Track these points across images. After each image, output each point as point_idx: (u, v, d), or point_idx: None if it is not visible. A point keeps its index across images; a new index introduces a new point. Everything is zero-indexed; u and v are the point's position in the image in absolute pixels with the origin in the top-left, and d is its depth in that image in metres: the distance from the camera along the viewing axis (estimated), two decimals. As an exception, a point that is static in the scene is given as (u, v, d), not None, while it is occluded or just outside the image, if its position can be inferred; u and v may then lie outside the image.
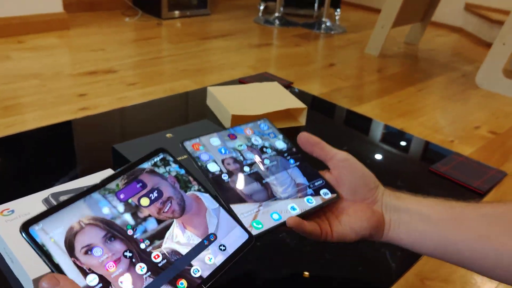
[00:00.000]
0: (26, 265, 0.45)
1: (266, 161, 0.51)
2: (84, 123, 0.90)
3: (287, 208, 0.47)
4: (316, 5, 4.05)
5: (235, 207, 0.45)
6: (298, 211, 0.48)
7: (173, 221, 0.40)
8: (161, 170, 0.43)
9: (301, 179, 0.51)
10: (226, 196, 0.45)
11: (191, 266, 0.39)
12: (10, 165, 0.71)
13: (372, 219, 0.47)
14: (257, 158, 0.51)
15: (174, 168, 0.44)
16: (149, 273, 0.37)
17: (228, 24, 3.61)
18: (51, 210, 0.36)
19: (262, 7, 3.92)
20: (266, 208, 0.46)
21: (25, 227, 0.34)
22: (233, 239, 0.42)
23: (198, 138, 0.50)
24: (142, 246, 0.38)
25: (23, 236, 0.34)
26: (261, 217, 0.45)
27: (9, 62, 2.49)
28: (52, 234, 0.35)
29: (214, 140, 0.52)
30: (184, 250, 0.39)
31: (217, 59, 2.82)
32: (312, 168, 0.52)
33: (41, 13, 2.93)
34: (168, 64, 2.68)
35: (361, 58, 3.13)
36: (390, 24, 3.01)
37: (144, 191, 0.41)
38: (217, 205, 0.43)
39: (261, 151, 0.53)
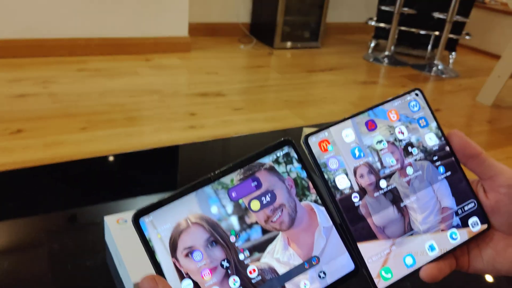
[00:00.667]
0: (131, 268, 0.47)
1: (409, 170, 0.40)
2: (190, 148, 0.97)
3: (424, 248, 0.38)
4: (430, 46, 3.86)
5: (363, 246, 0.37)
6: (437, 252, 0.38)
7: (278, 234, 0.37)
8: (281, 168, 0.38)
9: (448, 201, 0.40)
10: (353, 229, 0.38)
11: (283, 288, 0.36)
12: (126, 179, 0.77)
13: None
14: (397, 164, 0.40)
15: (296, 168, 0.38)
16: (241, 288, 0.35)
17: (337, 58, 3.60)
18: (164, 201, 0.35)
19: (372, 44, 3.85)
20: (400, 248, 0.38)
21: (137, 218, 0.34)
22: (336, 267, 0.37)
23: (327, 129, 0.40)
24: (241, 257, 0.37)
25: (134, 227, 0.34)
26: (392, 262, 0.37)
27: (136, 77, 2.77)
28: (160, 229, 0.34)
29: (348, 133, 0.40)
30: (281, 270, 0.37)
31: (320, 92, 2.82)
32: (466, 180, 0.40)
33: (169, 35, 3.23)
34: (273, 93, 2.75)
35: (472, 106, 2.88)
36: (508, 74, 2.74)
37: (258, 193, 0.37)
38: (331, 223, 0.38)
39: (405, 151, 0.41)
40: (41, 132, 1.94)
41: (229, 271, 0.35)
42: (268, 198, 0.38)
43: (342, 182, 0.39)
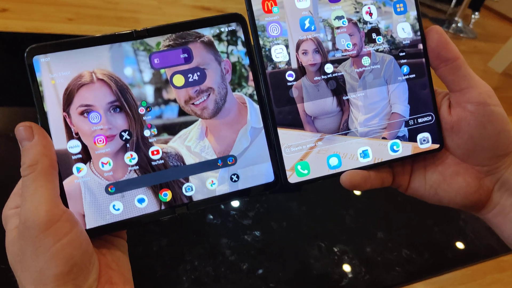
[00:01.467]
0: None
1: (366, 60, 0.34)
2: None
3: (356, 152, 0.34)
4: (453, 1, 3.64)
5: (284, 133, 0.33)
6: (369, 159, 0.33)
7: (197, 120, 0.32)
8: (221, 47, 0.32)
9: (401, 107, 0.34)
10: (278, 110, 0.33)
11: (187, 181, 0.31)
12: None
13: (472, 196, 0.33)
14: (353, 50, 0.34)
15: (239, 51, 0.33)
16: (137, 167, 0.30)
17: None
18: (69, 43, 0.29)
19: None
20: (327, 145, 0.33)
21: (30, 54, 0.28)
22: (253, 173, 0.32)
23: None
24: (146, 133, 0.31)
25: (25, 63, 0.28)
26: (313, 159, 0.33)
27: (137, -22, 2.58)
28: (56, 75, 0.29)
29: None
30: (189, 160, 0.31)
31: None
32: (431, 89, 0.35)
33: None
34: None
35: (481, 71, 2.76)
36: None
37: (185, 67, 0.31)
38: (261, 125, 0.33)
39: (367, 36, 0.34)
40: (26, 15, 1.83)
41: (128, 145, 0.29)
42: (195, 77, 0.32)
43: (279, 54, 0.33)
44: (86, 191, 0.29)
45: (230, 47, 0.33)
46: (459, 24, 3.34)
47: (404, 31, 0.35)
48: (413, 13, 0.35)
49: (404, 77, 0.35)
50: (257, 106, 0.33)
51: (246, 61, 0.33)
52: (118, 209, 0.30)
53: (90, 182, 0.29)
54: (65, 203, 0.28)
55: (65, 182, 0.29)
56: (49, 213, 0.26)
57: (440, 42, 0.33)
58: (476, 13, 3.47)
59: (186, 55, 0.32)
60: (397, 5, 0.35)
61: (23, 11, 1.84)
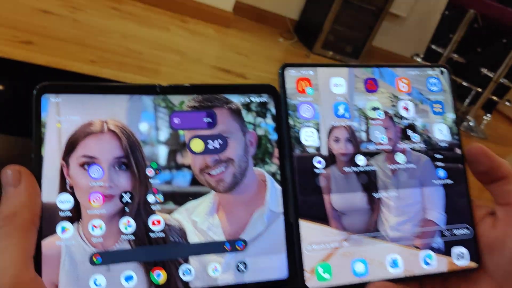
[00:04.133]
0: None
1: (400, 157, 0.31)
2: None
3: (385, 260, 0.29)
4: (468, 100, 3.73)
5: (307, 226, 0.28)
6: (400, 271, 0.29)
7: (210, 193, 0.28)
8: (248, 117, 0.29)
9: (436, 214, 0.31)
10: (302, 200, 0.29)
11: (186, 262, 0.26)
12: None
13: None
14: (388, 145, 0.31)
15: (267, 125, 0.30)
16: (132, 237, 0.25)
17: (372, 82, 3.49)
18: (84, 87, 0.26)
19: (412, 81, 3.71)
20: (353, 247, 0.29)
21: (40, 91, 0.25)
22: (264, 265, 0.28)
23: (314, 67, 0.30)
24: (150, 198, 0.27)
25: (33, 100, 0.25)
26: (336, 262, 0.28)
27: (165, 33, 2.69)
28: (63, 118, 0.26)
29: (339, 82, 0.31)
30: (193, 237, 0.27)
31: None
32: (468, 198, 0.31)
33: (213, 5, 3.15)
34: (298, 92, 2.65)
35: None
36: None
37: (207, 132, 0.28)
38: (281, 210, 0.29)
39: (403, 133, 0.32)
40: (50, 50, 1.87)
41: (127, 210, 0.25)
42: (216, 144, 0.28)
43: (309, 138, 0.30)
44: (66, 257, 0.25)
45: (259, 119, 0.30)
46: (471, 123, 3.38)
47: (441, 132, 0.33)
48: (451, 115, 0.33)
49: (440, 182, 0.32)
50: (278, 187, 0.29)
51: (273, 136, 0.30)
52: (100, 285, 0.25)
53: (74, 247, 0.25)
54: (39, 268, 0.24)
55: (44, 242, 0.24)
56: (14, 279, 0.21)
57: (492, 165, 0.31)
58: (488, 115, 3.54)
59: (210, 120, 0.29)
60: (435, 105, 0.33)
61: (47, 46, 1.88)
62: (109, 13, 2.52)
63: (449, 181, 0.32)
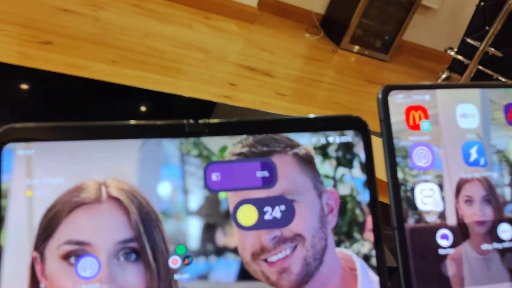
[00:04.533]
0: None
1: None
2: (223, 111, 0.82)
3: None
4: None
5: None
6: None
7: None
8: (325, 167, 0.19)
9: None
10: None
11: None
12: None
13: None
14: None
15: (353, 179, 0.19)
16: None
17: (401, 78, 3.34)
18: (69, 129, 0.17)
19: (444, 76, 3.55)
20: None
21: (3, 137, 0.16)
22: None
23: (430, 89, 0.21)
24: None
25: None
26: None
27: (188, 31, 2.62)
28: (37, 181, 0.16)
29: (468, 110, 0.21)
30: None
31: (374, 106, 2.58)
32: None
33: (236, 0, 3.06)
34: (324, 90, 2.54)
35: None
36: None
37: (262, 193, 0.18)
38: None
39: None
40: (70, 51, 1.81)
41: None
42: (277, 213, 0.18)
43: (428, 199, 0.19)
44: None
45: (341, 170, 0.19)
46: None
47: None
48: None
49: None
50: (375, 278, 0.19)
51: (364, 196, 0.19)
52: None
53: None
54: None
55: None
56: None
57: None
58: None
59: (267, 174, 0.18)
60: None
61: (67, 46, 1.81)
62: (130, 10, 2.45)
63: None
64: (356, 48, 3.47)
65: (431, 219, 0.20)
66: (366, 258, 0.19)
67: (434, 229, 0.19)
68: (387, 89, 0.20)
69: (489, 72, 3.37)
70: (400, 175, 0.20)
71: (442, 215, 0.20)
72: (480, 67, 3.34)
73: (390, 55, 3.59)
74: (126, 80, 1.74)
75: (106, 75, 1.72)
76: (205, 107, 0.80)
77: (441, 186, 0.20)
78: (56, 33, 1.86)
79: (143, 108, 0.69)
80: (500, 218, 0.20)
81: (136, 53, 1.99)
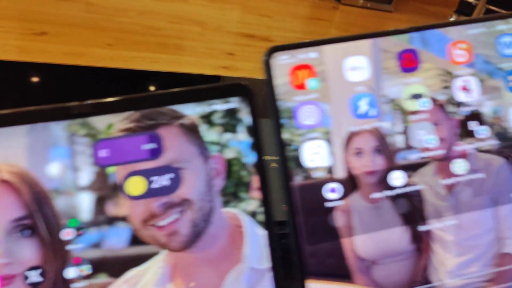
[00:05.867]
0: None
1: (460, 165, 0.21)
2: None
3: None
4: None
5: None
6: None
7: (160, 253, 0.20)
8: (210, 134, 0.20)
9: None
10: (310, 250, 0.20)
11: None
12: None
13: None
14: (439, 149, 0.21)
15: (238, 143, 0.20)
16: None
17: (409, 28, 3.22)
18: None
19: (452, 19, 3.41)
20: None
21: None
22: None
23: (317, 45, 0.21)
24: (71, 272, 0.19)
25: None
26: None
27: (184, 4, 2.58)
28: None
29: (357, 63, 0.21)
30: None
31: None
32: None
33: (229, -33, 2.99)
34: (328, 49, 2.49)
35: None
36: None
37: (150, 164, 0.20)
38: (267, 266, 0.20)
39: (462, 127, 0.22)
40: (66, 39, 1.82)
41: None
42: (165, 181, 0.19)
43: (316, 156, 0.20)
44: None
45: (226, 136, 0.21)
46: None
47: None
48: None
49: None
50: (261, 233, 0.20)
51: (250, 158, 0.20)
52: None
53: None
54: None
55: None
56: None
57: None
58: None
59: (153, 145, 0.20)
60: (511, 77, 0.21)
61: (62, 35, 1.83)
62: (123, -10, 2.44)
63: None
64: (358, 1, 3.36)
65: (319, 174, 0.21)
66: (253, 214, 0.21)
67: (321, 183, 0.20)
68: (271, 51, 0.21)
69: (500, 10, 3.23)
70: (286, 135, 0.20)
71: (330, 170, 0.21)
72: (490, 6, 3.20)
73: (394, 5, 3.47)
74: (124, 62, 1.75)
75: (103, 59, 1.73)
76: (211, 82, 0.81)
77: (329, 142, 0.21)
78: (50, 23, 1.87)
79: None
80: (391, 166, 0.21)
81: (132, 33, 1.99)
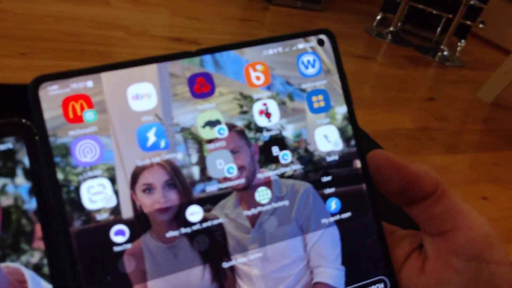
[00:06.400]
0: None
1: (263, 194, 0.20)
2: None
3: None
4: (439, 28, 3.58)
5: None
6: None
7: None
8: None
9: (329, 271, 0.20)
10: None
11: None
12: None
13: None
14: (239, 178, 0.20)
15: (16, 188, 0.19)
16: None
17: (337, 26, 3.32)
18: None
19: (379, 17, 3.57)
20: None
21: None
22: None
23: (95, 73, 0.19)
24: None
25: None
26: None
27: (105, 8, 2.49)
28: None
29: (142, 90, 0.20)
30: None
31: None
32: (380, 231, 0.21)
33: (153, -31, 2.91)
34: (258, 50, 2.49)
35: (470, 101, 2.67)
36: (516, 72, 2.53)
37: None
38: None
39: (264, 153, 0.21)
40: (-28, 51, 1.67)
41: None
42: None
43: (97, 196, 0.18)
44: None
45: (1, 181, 0.18)
46: (445, 53, 3.25)
47: (327, 139, 0.21)
48: (341, 109, 0.21)
49: (332, 219, 0.21)
50: (48, 287, 0.18)
51: (31, 204, 0.18)
52: None
53: None
54: None
55: None
56: None
57: (404, 176, 0.20)
58: (463, 40, 3.40)
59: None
60: (314, 98, 0.20)
61: (-32, 45, 1.68)
62: (39, -5, 2.29)
63: (346, 215, 0.21)
64: (288, 1, 3.40)
65: (102, 216, 0.19)
66: (37, 268, 0.18)
67: (106, 227, 0.18)
68: (38, 81, 0.18)
69: (422, 7, 3.40)
70: (60, 176, 0.18)
71: (115, 211, 0.19)
72: (412, 3, 3.37)
73: (323, 4, 3.56)
74: (38, 72, 1.64)
75: (16, 69, 1.61)
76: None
77: (113, 180, 0.19)
78: (-48, 33, 1.71)
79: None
80: (187, 201, 0.19)
81: (48, 41, 1.87)
